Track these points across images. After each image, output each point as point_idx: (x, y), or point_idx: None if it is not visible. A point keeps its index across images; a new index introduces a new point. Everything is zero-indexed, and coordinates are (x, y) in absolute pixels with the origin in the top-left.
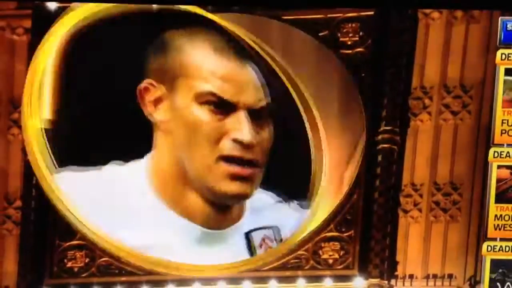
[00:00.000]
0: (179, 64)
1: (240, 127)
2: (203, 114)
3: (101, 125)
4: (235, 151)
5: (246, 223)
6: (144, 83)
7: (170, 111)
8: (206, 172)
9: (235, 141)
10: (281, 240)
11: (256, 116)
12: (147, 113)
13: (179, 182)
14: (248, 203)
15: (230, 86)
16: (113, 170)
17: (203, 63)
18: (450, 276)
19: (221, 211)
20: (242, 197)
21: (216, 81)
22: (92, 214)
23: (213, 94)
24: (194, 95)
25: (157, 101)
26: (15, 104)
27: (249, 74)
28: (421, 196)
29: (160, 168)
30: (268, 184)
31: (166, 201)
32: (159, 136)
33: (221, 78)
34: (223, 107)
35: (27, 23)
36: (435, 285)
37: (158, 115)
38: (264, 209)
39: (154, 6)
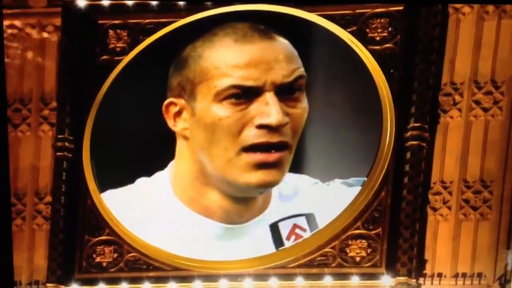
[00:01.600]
0: (198, 72)
1: (267, 110)
2: (222, 110)
3: (132, 146)
4: (259, 138)
5: (273, 213)
6: (166, 102)
7: (190, 118)
8: (226, 167)
9: (260, 126)
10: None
11: (287, 91)
12: (171, 126)
13: (198, 182)
14: (277, 191)
15: (254, 70)
16: (143, 182)
17: (223, 60)
18: (480, 275)
19: (243, 204)
20: (268, 185)
21: (238, 72)
22: (128, 222)
23: (233, 87)
24: (214, 95)
25: (177, 114)
26: (46, 101)
27: (277, 49)
28: (450, 194)
29: (180, 172)
30: (301, 165)
31: (186, 201)
32: (180, 143)
33: (245, 66)
34: (245, 95)
35: (57, 21)
36: (464, 283)
37: (179, 125)
38: (296, 195)
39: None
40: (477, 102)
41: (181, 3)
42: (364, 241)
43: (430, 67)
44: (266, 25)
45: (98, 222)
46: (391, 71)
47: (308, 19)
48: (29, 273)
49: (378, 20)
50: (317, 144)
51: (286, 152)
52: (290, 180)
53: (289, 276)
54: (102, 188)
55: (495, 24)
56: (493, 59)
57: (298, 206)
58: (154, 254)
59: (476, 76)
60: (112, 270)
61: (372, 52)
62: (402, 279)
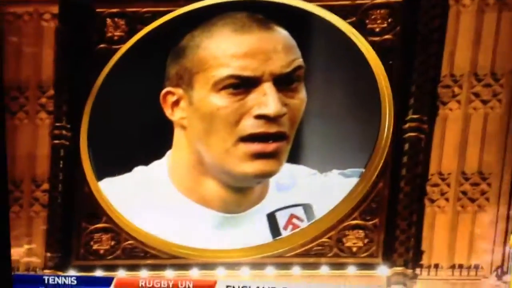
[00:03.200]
0: (196, 61)
1: (265, 100)
2: (220, 100)
3: (130, 134)
4: (257, 128)
5: (270, 203)
6: (163, 91)
7: (188, 107)
8: (223, 156)
9: (258, 117)
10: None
11: (285, 82)
12: (168, 116)
13: (195, 171)
14: (274, 181)
15: (252, 60)
16: (140, 171)
17: (222, 50)
18: (476, 266)
19: (240, 193)
20: (266, 175)
21: (236, 61)
22: (125, 211)
23: (231, 77)
24: (212, 85)
25: (175, 103)
26: (43, 89)
27: (276, 39)
28: (448, 185)
29: (177, 161)
30: (299, 155)
31: (184, 191)
32: (177, 132)
33: (243, 57)
34: (244, 85)
35: (55, 9)
36: (460, 275)
37: (176, 114)
38: (293, 185)
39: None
40: (476, 95)
41: None
42: (361, 231)
43: (430, 58)
44: (265, 15)
45: (95, 210)
46: (390, 62)
47: (307, 10)
48: (26, 260)
49: (378, 11)
50: (315, 135)
51: (284, 142)
52: (288, 170)
53: (285, 265)
54: (100, 176)
55: (495, 16)
56: (493, 52)
57: (295, 196)
58: (151, 242)
59: (476, 68)
60: (109, 257)
61: (372, 43)
62: (398, 269)
